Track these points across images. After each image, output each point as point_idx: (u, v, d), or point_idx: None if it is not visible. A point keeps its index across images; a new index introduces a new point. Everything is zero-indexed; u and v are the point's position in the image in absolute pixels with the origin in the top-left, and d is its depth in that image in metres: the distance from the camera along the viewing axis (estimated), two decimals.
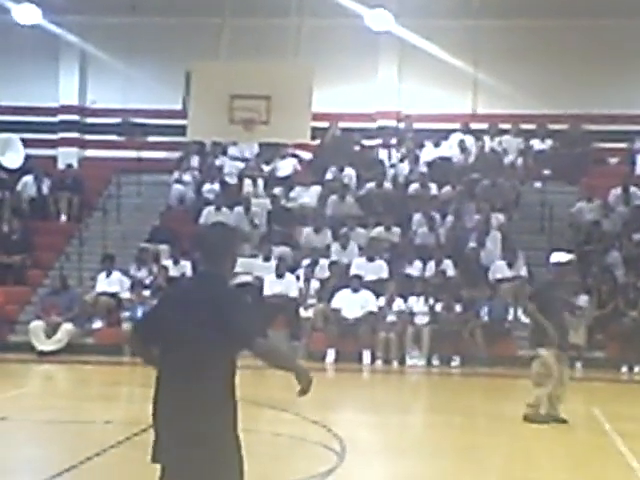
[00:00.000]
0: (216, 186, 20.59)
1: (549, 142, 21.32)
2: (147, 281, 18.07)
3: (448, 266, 17.88)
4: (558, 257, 11.68)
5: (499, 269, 17.93)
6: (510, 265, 17.89)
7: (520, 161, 21.06)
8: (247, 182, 20.73)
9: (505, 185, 20.06)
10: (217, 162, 21.34)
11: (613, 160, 21.62)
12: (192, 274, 4.33)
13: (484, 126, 21.62)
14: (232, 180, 20.91)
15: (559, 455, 9.90)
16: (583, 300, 17.10)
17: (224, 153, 21.50)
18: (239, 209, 19.69)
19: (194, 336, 4.82)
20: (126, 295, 17.80)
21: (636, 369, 16.41)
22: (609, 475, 8.98)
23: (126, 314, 17.33)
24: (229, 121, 14.78)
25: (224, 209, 19.70)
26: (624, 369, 16.44)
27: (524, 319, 17.40)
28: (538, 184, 20.68)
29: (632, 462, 9.27)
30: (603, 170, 21.21)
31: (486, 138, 21.39)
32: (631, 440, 10.25)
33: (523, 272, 17.89)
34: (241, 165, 21.27)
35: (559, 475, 8.96)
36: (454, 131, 21.46)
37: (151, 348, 5.09)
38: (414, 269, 18.02)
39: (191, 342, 4.83)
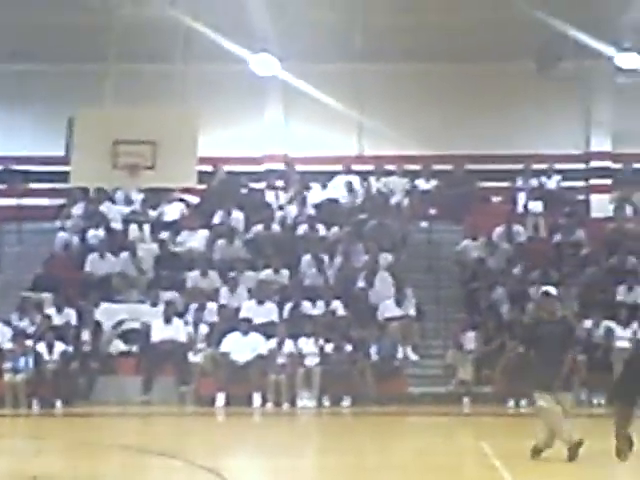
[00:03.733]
0: (101, 232, 20.27)
1: (434, 182, 21.69)
2: (29, 330, 17.59)
3: (337, 306, 17.93)
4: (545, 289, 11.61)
5: (388, 308, 18.06)
6: (399, 304, 18.04)
7: (406, 201, 21.34)
8: (133, 227, 20.47)
9: (392, 225, 20.28)
10: (101, 208, 21.01)
11: (496, 199, 22.09)
12: None
13: (370, 167, 21.88)
14: (117, 225, 20.63)
15: None
16: (470, 336, 17.34)
17: (109, 199, 21.19)
18: (125, 255, 19.42)
19: None
20: (8, 345, 17.28)
21: (522, 403, 16.63)
22: None
23: (8, 365, 16.83)
24: (113, 167, 14.65)
25: (109, 255, 19.41)
26: (511, 403, 16.65)
27: (413, 357, 17.62)
28: (424, 223, 20.98)
29: None
30: (487, 209, 21.64)
31: (372, 179, 21.64)
32: (519, 474, 10.34)
33: (412, 311, 18.06)
34: (126, 210, 21.00)
35: None
36: (340, 173, 21.65)
37: None
38: (304, 310, 18.00)
39: None
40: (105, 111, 15.80)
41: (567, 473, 10.85)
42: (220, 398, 16.64)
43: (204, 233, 20.21)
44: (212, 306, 18.11)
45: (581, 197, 21.90)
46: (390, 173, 21.78)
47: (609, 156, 22.18)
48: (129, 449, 12.48)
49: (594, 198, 21.96)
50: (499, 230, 20.23)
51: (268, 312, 17.90)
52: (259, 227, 20.23)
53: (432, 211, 21.20)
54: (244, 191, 21.58)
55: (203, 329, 17.68)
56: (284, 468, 11.72)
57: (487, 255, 19.57)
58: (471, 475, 11.25)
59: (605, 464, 10.94)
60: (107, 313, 18.00)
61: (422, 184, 21.66)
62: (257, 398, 16.64)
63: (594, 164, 22.21)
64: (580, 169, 22.16)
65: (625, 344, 17.03)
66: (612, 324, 17.34)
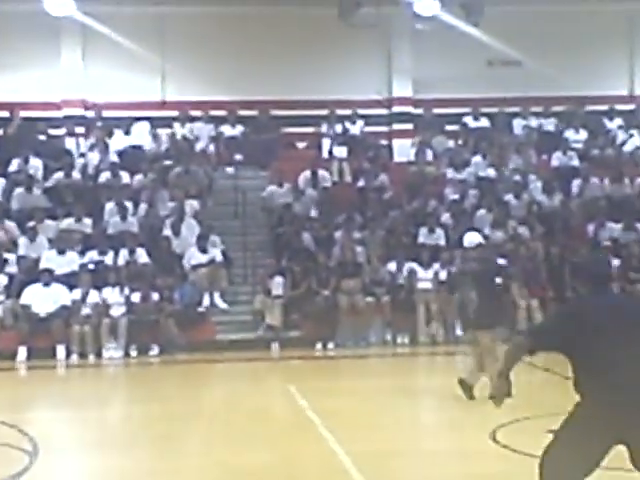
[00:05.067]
0: None
1: (240, 128, 21.53)
2: None
3: (141, 255, 17.60)
4: (472, 238, 11.75)
5: (194, 255, 17.89)
6: (204, 251, 17.90)
7: (212, 147, 21.12)
8: None
9: (198, 172, 20.02)
10: None
11: (301, 144, 22.16)
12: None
13: (174, 113, 21.47)
14: None
15: (258, 435, 9.96)
16: (277, 282, 17.41)
17: None
18: None
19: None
20: None
21: (329, 345, 16.91)
22: (306, 449, 9.14)
23: None
24: None
25: None
26: (318, 346, 16.88)
27: (221, 304, 17.54)
28: (230, 169, 20.83)
29: (326, 435, 9.52)
30: (292, 154, 21.68)
31: (177, 125, 21.27)
32: (324, 414, 10.54)
33: (218, 257, 17.96)
34: None
35: (259, 455, 8.99)
36: (144, 119, 21.15)
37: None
38: (108, 259, 17.59)
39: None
40: None
41: (365, 407, 11.16)
42: (22, 352, 16.08)
43: (0, 182, 19.35)
44: (11, 257, 17.41)
45: (384, 142, 22.26)
46: (195, 119, 21.46)
47: (410, 102, 22.62)
48: None
49: (396, 143, 22.37)
50: (304, 175, 20.33)
51: (70, 262, 17.38)
52: (59, 175, 19.54)
53: (238, 157, 21.06)
54: (42, 138, 20.75)
55: (2, 281, 16.99)
56: (90, 419, 11.53)
57: (293, 200, 19.65)
58: (279, 418, 11.38)
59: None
60: None
61: (228, 130, 21.46)
62: (61, 350, 16.19)
63: (396, 109, 22.60)
64: (383, 114, 22.51)
65: (427, 285, 17.54)
66: (415, 265, 17.79)
